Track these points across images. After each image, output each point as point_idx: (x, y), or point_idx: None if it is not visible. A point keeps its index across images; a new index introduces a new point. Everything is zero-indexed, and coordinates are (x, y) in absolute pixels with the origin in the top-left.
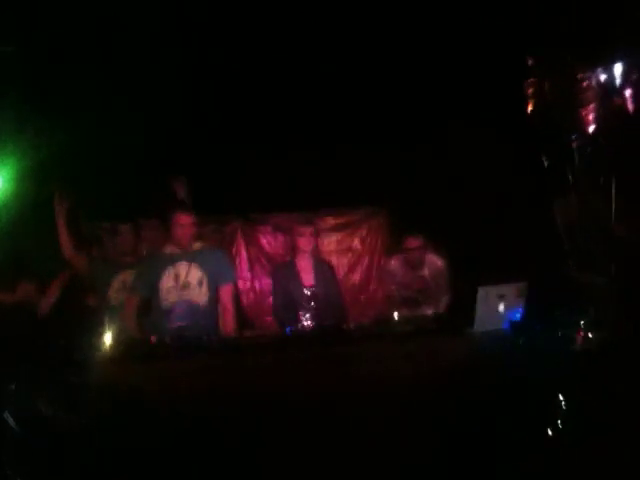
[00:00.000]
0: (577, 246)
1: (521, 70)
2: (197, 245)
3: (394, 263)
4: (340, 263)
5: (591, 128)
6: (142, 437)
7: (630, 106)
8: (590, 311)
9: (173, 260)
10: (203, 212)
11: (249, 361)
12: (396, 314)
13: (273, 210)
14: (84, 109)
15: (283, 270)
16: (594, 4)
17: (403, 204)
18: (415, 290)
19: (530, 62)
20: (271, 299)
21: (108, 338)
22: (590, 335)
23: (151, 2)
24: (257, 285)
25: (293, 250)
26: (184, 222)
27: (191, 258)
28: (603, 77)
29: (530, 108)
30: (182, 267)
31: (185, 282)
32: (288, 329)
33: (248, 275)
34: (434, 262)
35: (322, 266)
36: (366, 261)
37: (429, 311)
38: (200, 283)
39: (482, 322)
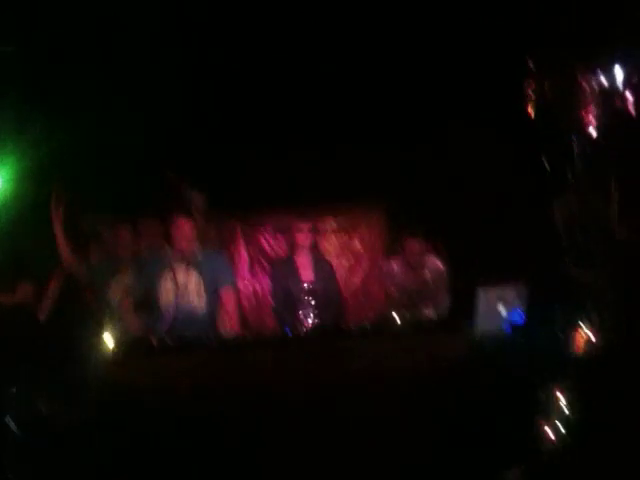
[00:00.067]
0: (577, 246)
1: (521, 70)
2: (196, 248)
3: (394, 263)
4: (340, 263)
5: (591, 128)
6: (142, 436)
7: (630, 106)
8: (590, 311)
9: (172, 263)
10: (203, 212)
11: (249, 359)
12: (396, 314)
13: (273, 210)
14: (84, 109)
15: (282, 266)
16: (594, 4)
17: (403, 204)
18: (415, 291)
19: (530, 62)
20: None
21: (107, 338)
22: (590, 335)
23: (151, 2)
24: (257, 285)
25: (292, 246)
26: (183, 226)
27: (190, 262)
28: (603, 77)
29: (530, 108)
30: (180, 271)
31: (183, 286)
32: (288, 329)
33: (248, 275)
34: (434, 263)
35: (321, 262)
36: (366, 261)
37: (429, 312)
38: (198, 287)
39: (482, 322)
